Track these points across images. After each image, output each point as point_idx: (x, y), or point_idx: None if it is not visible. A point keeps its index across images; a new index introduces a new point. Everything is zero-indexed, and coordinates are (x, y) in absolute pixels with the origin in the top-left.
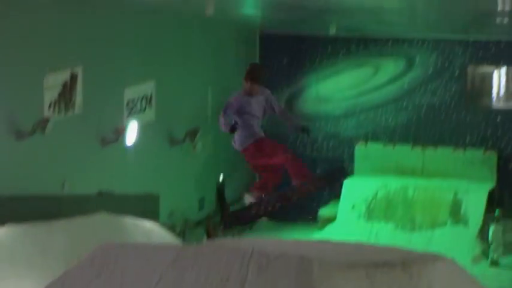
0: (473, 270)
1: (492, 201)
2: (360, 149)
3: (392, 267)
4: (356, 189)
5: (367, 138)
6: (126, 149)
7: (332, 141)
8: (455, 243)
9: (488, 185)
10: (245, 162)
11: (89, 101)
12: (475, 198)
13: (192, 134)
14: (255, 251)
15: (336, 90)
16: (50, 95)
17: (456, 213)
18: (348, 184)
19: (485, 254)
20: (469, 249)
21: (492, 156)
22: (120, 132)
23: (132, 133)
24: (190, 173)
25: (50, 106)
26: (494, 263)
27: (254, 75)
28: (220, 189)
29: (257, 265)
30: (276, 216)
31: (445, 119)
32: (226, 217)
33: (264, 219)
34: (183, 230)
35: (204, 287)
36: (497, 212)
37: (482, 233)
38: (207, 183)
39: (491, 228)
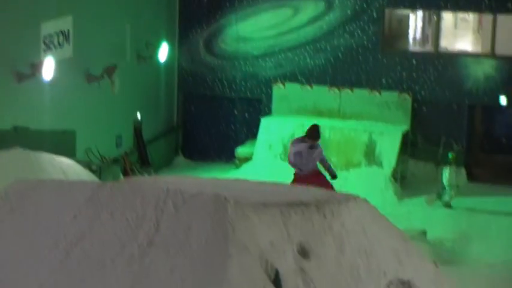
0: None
1: (406, 142)
2: (278, 90)
3: (306, 207)
4: (273, 129)
5: (285, 78)
6: (42, 84)
7: (250, 81)
8: (369, 183)
9: (403, 127)
10: (164, 101)
11: (4, 34)
12: (389, 140)
13: (110, 72)
14: (171, 190)
15: (256, 30)
16: None
17: (371, 155)
18: (265, 124)
19: (396, 194)
20: (383, 189)
21: (407, 99)
22: (36, 68)
23: (49, 69)
24: (107, 110)
25: None
26: (448, 205)
27: (313, 135)
28: (137, 127)
29: (173, 203)
30: (194, 155)
31: (362, 61)
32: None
33: (181, 157)
34: (99, 167)
35: (119, 225)
36: (450, 155)
37: (396, 173)
38: (124, 120)
39: (445, 172)
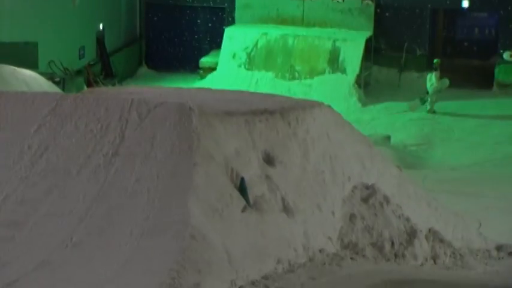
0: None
1: (369, 49)
2: None
3: (271, 114)
4: (237, 39)
5: None
6: None
7: None
8: (333, 90)
9: (366, 34)
10: (126, 11)
11: None
12: (353, 47)
13: None
14: (136, 99)
15: None
16: None
17: (334, 62)
18: (228, 33)
19: (360, 100)
20: (347, 95)
21: (370, 4)
22: None
23: None
24: (69, 21)
25: None
26: (431, 111)
27: None
28: (100, 38)
29: (137, 113)
30: (158, 65)
31: None
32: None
33: (144, 68)
34: (62, 78)
35: (83, 135)
36: (435, 61)
37: (360, 80)
38: (87, 31)
39: (429, 77)
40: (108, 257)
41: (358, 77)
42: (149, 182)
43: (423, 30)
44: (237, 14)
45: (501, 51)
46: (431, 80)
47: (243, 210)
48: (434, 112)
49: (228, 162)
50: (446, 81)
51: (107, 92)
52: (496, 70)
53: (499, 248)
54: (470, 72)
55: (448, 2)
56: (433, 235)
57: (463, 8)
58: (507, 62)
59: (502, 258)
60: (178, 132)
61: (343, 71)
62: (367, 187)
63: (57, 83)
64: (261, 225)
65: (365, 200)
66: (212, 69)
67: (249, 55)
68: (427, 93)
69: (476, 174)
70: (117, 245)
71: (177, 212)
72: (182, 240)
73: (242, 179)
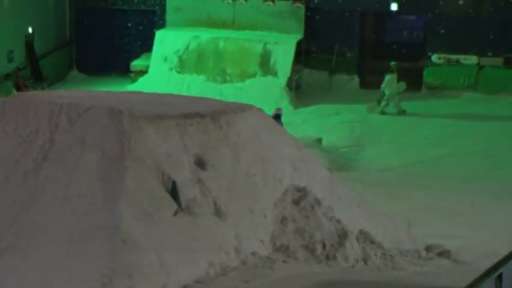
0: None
1: (300, 52)
2: (171, 1)
3: (202, 118)
4: (168, 42)
5: None
6: None
7: None
8: (265, 93)
9: (297, 37)
10: (56, 15)
11: None
12: (284, 50)
13: None
14: (65, 103)
15: None
16: None
17: (266, 65)
18: (159, 36)
19: (292, 103)
20: (278, 98)
21: (300, 8)
22: None
23: None
24: None
25: None
26: (401, 112)
27: None
28: (29, 42)
29: (67, 118)
30: (88, 69)
31: None
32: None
33: (75, 71)
34: None
35: (12, 140)
36: (392, 63)
37: (291, 82)
38: (16, 35)
39: (386, 79)
40: (38, 263)
41: (289, 79)
42: (79, 186)
43: (353, 33)
44: (168, 17)
45: (430, 53)
46: (388, 82)
47: (175, 214)
48: (404, 112)
49: (159, 166)
50: (403, 84)
51: (36, 96)
52: (425, 72)
53: (428, 248)
54: (399, 74)
55: (376, 5)
56: (364, 236)
57: (392, 11)
58: (435, 64)
59: (431, 258)
60: (109, 136)
61: (275, 74)
62: (298, 189)
63: None
64: (192, 228)
65: (296, 202)
66: (143, 72)
67: (180, 58)
68: (383, 95)
69: (405, 175)
70: (46, 250)
71: (108, 216)
72: (113, 244)
73: (174, 183)
